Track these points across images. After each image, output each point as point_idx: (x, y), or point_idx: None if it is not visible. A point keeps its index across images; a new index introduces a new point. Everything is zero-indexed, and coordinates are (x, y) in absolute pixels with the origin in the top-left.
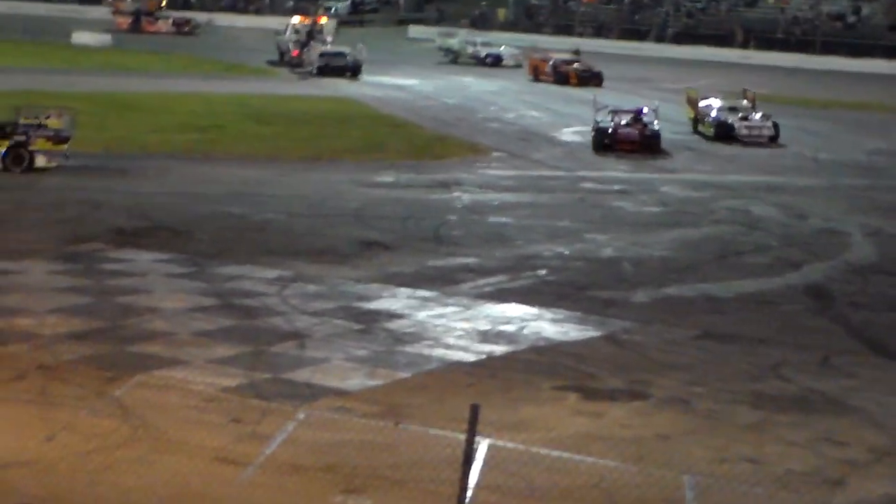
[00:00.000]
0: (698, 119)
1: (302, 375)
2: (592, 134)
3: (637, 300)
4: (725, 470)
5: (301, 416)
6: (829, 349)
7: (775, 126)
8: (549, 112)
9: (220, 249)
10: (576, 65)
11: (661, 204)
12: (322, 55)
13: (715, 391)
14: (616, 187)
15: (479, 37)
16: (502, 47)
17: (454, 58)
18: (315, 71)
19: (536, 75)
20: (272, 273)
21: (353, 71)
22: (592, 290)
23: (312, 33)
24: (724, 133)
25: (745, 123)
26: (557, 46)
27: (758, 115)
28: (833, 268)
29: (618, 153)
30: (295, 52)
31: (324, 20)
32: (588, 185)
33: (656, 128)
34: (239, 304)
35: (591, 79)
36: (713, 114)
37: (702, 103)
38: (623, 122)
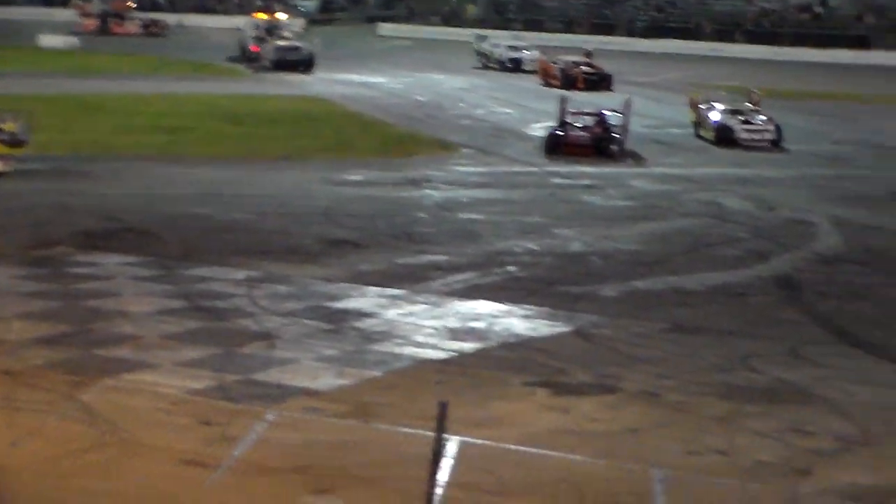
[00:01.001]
0: (699, 122)
1: (271, 376)
2: (545, 137)
3: (606, 294)
4: (694, 462)
5: (270, 417)
6: (798, 339)
7: (778, 129)
8: (520, 108)
9: (189, 251)
10: (584, 67)
11: (631, 198)
12: (277, 49)
13: (684, 384)
14: (585, 182)
15: (512, 41)
16: (524, 51)
17: (486, 62)
18: (270, 65)
19: (546, 79)
20: (241, 274)
21: (307, 65)
22: (562, 285)
23: (272, 30)
24: (724, 137)
25: (746, 127)
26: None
27: (761, 118)
28: (801, 258)
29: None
30: (254, 48)
31: (282, 16)
32: (558, 180)
33: (614, 133)
34: (207, 306)
35: (600, 82)
36: (714, 117)
37: (703, 106)
38: (579, 125)
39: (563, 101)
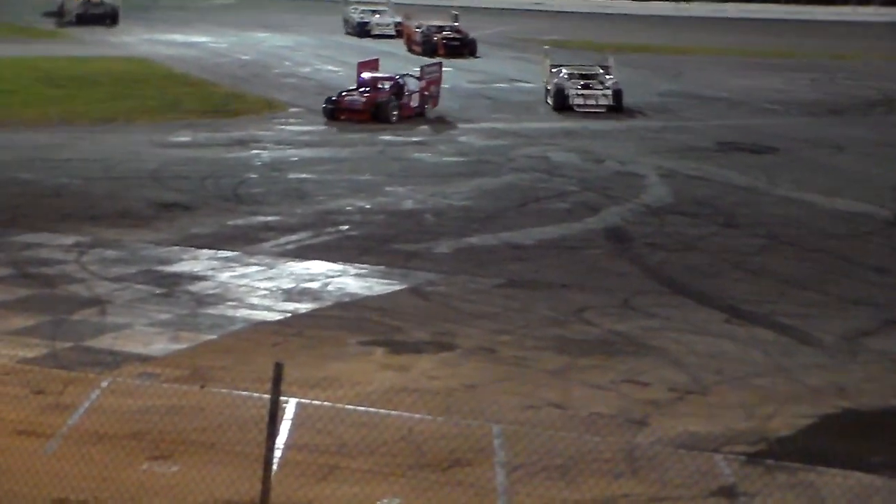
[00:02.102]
0: (548, 87)
1: (104, 342)
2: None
3: (440, 251)
4: (532, 416)
5: (105, 383)
6: (630, 291)
7: (616, 95)
8: (345, 66)
9: (15, 217)
10: (445, 32)
11: (461, 154)
12: (81, 4)
13: (520, 338)
14: (415, 139)
15: (373, 6)
16: (376, 15)
17: (347, 27)
18: (74, 19)
19: (410, 45)
20: (69, 239)
21: (111, 18)
22: (395, 243)
23: None
24: (560, 103)
25: (582, 92)
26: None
27: (606, 83)
28: (630, 210)
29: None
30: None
31: None
32: (387, 137)
33: (407, 99)
34: (36, 273)
35: (462, 48)
36: (556, 81)
37: (553, 70)
38: (362, 91)
39: (363, 64)
